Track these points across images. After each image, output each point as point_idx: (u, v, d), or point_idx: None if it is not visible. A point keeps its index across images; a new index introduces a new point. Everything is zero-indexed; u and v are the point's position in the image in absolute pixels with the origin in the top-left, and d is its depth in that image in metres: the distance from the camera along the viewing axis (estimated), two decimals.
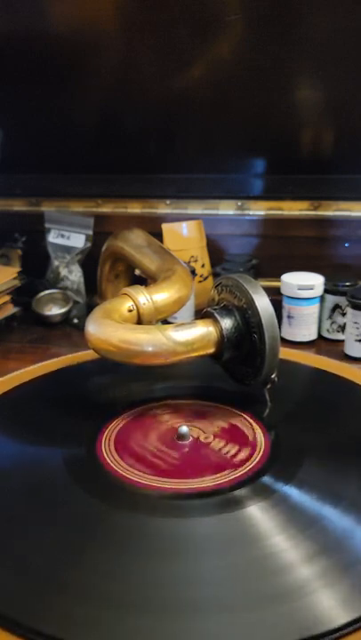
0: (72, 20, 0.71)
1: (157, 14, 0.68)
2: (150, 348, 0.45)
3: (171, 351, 0.45)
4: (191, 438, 0.46)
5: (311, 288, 0.68)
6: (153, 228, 0.76)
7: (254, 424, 0.48)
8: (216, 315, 0.48)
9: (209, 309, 0.49)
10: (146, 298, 0.51)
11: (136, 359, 0.46)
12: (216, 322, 0.48)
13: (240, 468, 0.43)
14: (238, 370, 0.51)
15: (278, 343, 0.46)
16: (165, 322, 0.57)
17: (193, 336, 0.46)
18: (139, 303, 0.51)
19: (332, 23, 0.66)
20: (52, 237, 0.83)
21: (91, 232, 0.82)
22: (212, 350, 0.48)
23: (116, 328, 0.46)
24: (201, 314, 0.50)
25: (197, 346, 0.46)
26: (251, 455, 0.44)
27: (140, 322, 0.52)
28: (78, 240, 0.82)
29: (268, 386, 0.49)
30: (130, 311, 0.51)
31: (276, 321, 0.46)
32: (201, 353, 0.47)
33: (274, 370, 0.47)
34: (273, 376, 0.48)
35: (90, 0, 0.69)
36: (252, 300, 0.46)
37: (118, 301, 0.51)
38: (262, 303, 0.46)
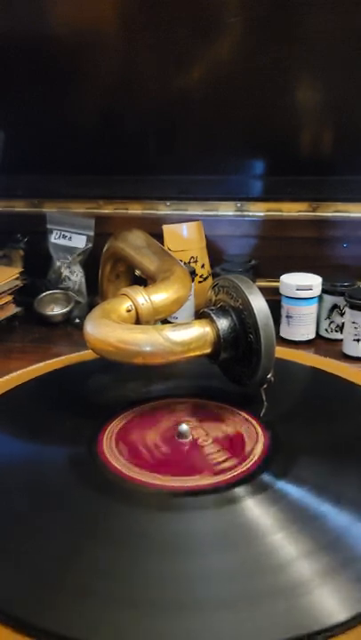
0: (73, 21, 0.71)
1: (157, 14, 0.69)
2: (148, 348, 0.46)
3: (168, 351, 0.46)
4: (191, 437, 0.47)
5: (310, 288, 0.68)
6: (153, 229, 0.76)
7: (253, 422, 0.49)
8: (213, 315, 0.48)
9: (206, 310, 0.49)
10: (144, 298, 0.52)
11: (134, 359, 0.46)
12: (213, 322, 0.48)
13: (239, 466, 0.43)
14: (235, 370, 0.51)
15: (274, 344, 0.47)
16: (165, 322, 0.57)
17: (190, 336, 0.47)
18: (137, 303, 0.52)
19: (332, 23, 0.66)
20: (54, 238, 0.84)
21: (92, 233, 0.82)
22: (208, 350, 0.48)
23: (114, 328, 0.47)
24: (198, 314, 0.50)
25: (194, 346, 0.47)
26: (250, 453, 0.45)
27: (138, 322, 0.52)
28: (80, 241, 0.83)
29: (265, 386, 0.49)
30: (128, 311, 0.51)
31: (271, 321, 0.46)
32: (198, 353, 0.47)
33: (270, 370, 0.48)
34: (269, 376, 0.48)
35: (90, 1, 0.69)
36: (248, 300, 0.46)
37: (117, 301, 0.52)
38: (258, 304, 0.46)
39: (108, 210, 0.85)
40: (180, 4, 0.67)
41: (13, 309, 0.77)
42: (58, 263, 0.83)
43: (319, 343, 0.70)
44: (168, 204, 0.84)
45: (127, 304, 0.52)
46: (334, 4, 0.65)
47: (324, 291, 0.69)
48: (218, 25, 0.69)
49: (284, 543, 0.35)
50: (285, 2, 0.65)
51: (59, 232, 0.84)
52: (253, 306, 0.46)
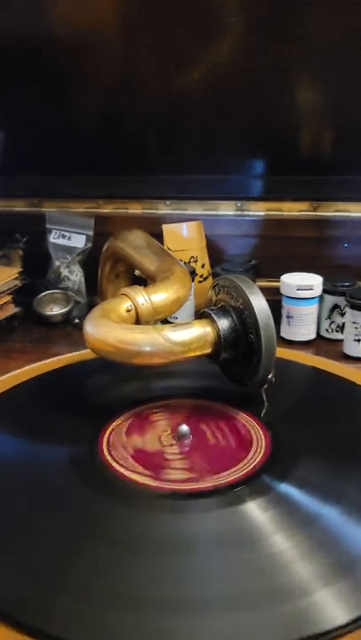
0: (73, 21, 0.71)
1: (157, 14, 0.69)
2: (148, 349, 0.45)
3: (168, 351, 0.46)
4: (191, 437, 0.47)
5: (310, 288, 0.68)
6: (153, 228, 0.76)
7: (254, 423, 0.49)
8: (213, 315, 0.48)
9: (206, 310, 0.49)
10: (144, 298, 0.52)
11: (134, 359, 0.46)
12: (213, 322, 0.48)
13: (239, 468, 0.43)
14: (235, 370, 0.51)
15: (275, 344, 0.46)
16: (165, 322, 0.57)
17: (190, 336, 0.47)
18: (137, 303, 0.51)
19: (332, 23, 0.66)
20: (53, 238, 0.84)
21: (91, 233, 0.82)
22: (208, 350, 0.48)
23: (114, 328, 0.47)
24: (198, 314, 0.50)
25: (194, 346, 0.47)
26: (250, 454, 0.44)
27: (138, 322, 0.52)
28: (79, 240, 0.83)
29: (265, 386, 0.49)
30: (128, 311, 0.51)
31: (272, 321, 0.46)
32: (198, 353, 0.47)
33: (270, 370, 0.48)
34: (270, 376, 0.48)
35: (90, 0, 0.69)
36: (249, 300, 0.46)
37: (116, 301, 0.52)
38: (258, 304, 0.46)
39: (107, 209, 0.85)
40: (180, 4, 0.67)
41: (13, 309, 0.76)
42: (57, 263, 0.83)
43: (320, 343, 0.70)
44: (168, 203, 0.84)
45: (127, 304, 0.51)
46: (334, 4, 0.65)
47: (324, 291, 0.69)
48: (218, 25, 0.69)
49: (284, 545, 0.35)
50: (285, 2, 0.65)
51: (58, 232, 0.84)
52: (254, 306, 0.46)
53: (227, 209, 0.82)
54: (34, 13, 0.71)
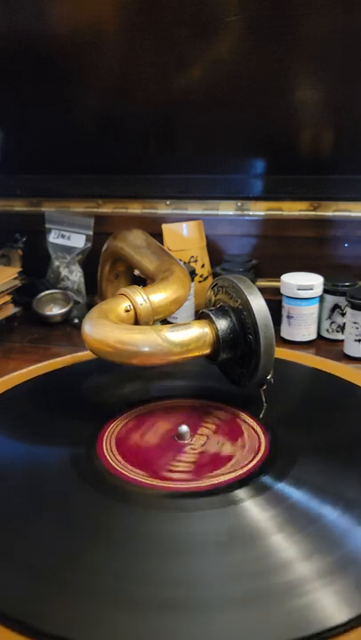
0: (72, 21, 0.71)
1: (157, 14, 0.69)
2: (146, 349, 0.45)
3: (166, 352, 0.45)
4: (191, 438, 0.46)
5: (311, 288, 0.68)
6: (153, 228, 0.76)
7: (254, 423, 0.49)
8: (212, 316, 0.48)
9: (205, 310, 0.49)
10: (143, 298, 0.52)
11: (132, 360, 0.46)
12: (212, 323, 0.48)
13: (239, 468, 0.43)
14: (234, 371, 0.51)
15: (273, 344, 0.46)
16: (165, 322, 0.57)
17: (189, 337, 0.46)
18: (136, 303, 0.51)
19: (332, 24, 0.66)
20: (53, 238, 0.84)
21: (91, 232, 0.82)
22: (207, 351, 0.48)
23: (113, 328, 0.47)
24: (197, 315, 0.50)
25: (193, 347, 0.47)
26: (250, 454, 0.44)
27: (137, 322, 0.52)
28: (79, 240, 0.82)
29: (264, 387, 0.49)
30: (127, 311, 0.51)
31: (271, 322, 0.46)
32: (197, 354, 0.47)
33: (269, 371, 0.47)
34: (269, 377, 0.48)
35: (90, 0, 0.69)
36: (248, 300, 0.46)
37: (115, 301, 0.52)
38: (257, 304, 0.46)
39: (107, 209, 0.85)
40: (180, 4, 0.67)
41: (12, 309, 0.76)
42: (57, 263, 0.83)
43: (320, 344, 0.70)
44: (168, 203, 0.84)
45: (126, 304, 0.51)
46: (334, 5, 0.65)
47: (325, 291, 0.69)
48: (218, 25, 0.69)
49: (283, 545, 0.35)
50: (285, 2, 0.65)
51: (57, 231, 0.84)
52: (253, 306, 0.46)
53: (227, 209, 0.82)
54: (34, 13, 0.71)
